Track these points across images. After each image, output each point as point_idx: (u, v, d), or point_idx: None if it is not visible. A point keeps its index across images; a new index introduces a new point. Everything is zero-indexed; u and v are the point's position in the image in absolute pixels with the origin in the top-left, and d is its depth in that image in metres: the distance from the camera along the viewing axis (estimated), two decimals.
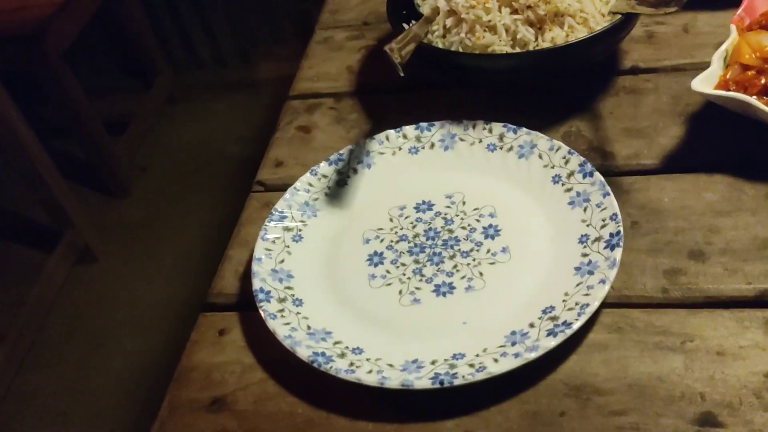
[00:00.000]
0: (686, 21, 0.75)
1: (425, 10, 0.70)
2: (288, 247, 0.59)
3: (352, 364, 0.50)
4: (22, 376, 1.48)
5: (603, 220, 0.55)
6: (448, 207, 0.61)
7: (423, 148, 0.66)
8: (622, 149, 0.64)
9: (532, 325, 0.50)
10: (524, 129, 0.63)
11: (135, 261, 1.69)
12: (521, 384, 0.49)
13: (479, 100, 0.72)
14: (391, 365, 0.49)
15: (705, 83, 0.59)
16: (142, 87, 2.05)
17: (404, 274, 0.57)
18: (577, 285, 0.52)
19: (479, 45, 0.65)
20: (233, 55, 2.17)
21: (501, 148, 0.64)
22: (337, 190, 0.64)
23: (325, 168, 0.65)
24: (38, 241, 1.74)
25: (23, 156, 1.48)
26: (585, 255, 0.54)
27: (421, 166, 0.65)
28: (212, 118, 2.05)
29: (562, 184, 0.59)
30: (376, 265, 0.58)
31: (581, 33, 0.64)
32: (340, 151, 0.66)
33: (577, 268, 0.53)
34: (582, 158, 0.59)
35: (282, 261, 0.58)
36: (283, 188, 0.65)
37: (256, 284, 0.55)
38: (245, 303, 0.58)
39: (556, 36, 0.64)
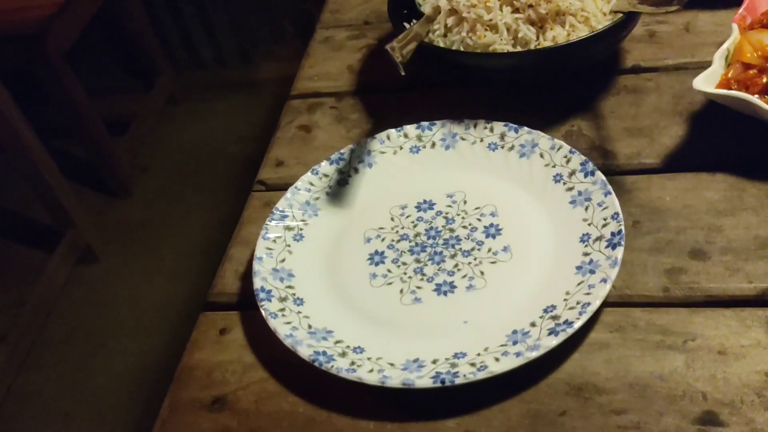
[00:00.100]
0: (687, 20, 0.75)
1: (426, 9, 0.70)
2: (289, 246, 0.59)
3: (353, 363, 0.49)
4: (23, 376, 1.49)
5: (604, 219, 0.55)
6: (450, 206, 0.61)
7: (424, 147, 0.66)
8: (624, 148, 0.63)
9: (533, 324, 0.50)
10: (525, 128, 0.63)
11: (136, 261, 1.69)
12: (522, 383, 0.49)
13: (480, 99, 0.72)
14: (392, 364, 0.49)
15: (706, 82, 0.59)
16: (143, 87, 2.05)
17: (405, 273, 0.57)
18: (579, 284, 0.52)
19: (480, 44, 0.65)
20: (234, 55, 2.17)
21: (502, 147, 0.63)
22: (338, 189, 0.64)
23: (326, 167, 0.65)
24: (39, 241, 1.74)
25: (24, 156, 1.48)
26: (586, 254, 0.54)
27: (422, 166, 0.65)
28: (213, 118, 2.05)
29: (564, 183, 0.59)
30: (377, 264, 0.58)
31: (582, 32, 0.64)
32: (341, 151, 0.66)
33: (579, 267, 0.53)
34: (583, 157, 0.59)
35: (283, 260, 0.58)
36: (284, 187, 0.65)
37: (257, 283, 0.55)
38: (246, 302, 0.58)
39: (557, 35, 0.64)
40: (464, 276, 0.55)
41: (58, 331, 1.57)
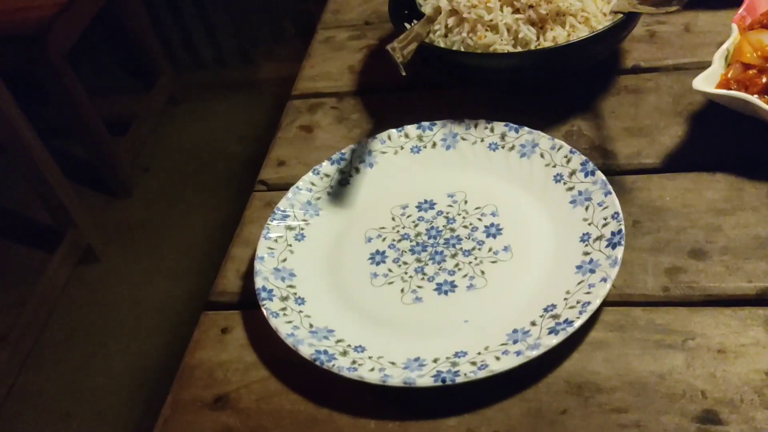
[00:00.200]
0: (687, 20, 0.75)
1: (427, 9, 0.70)
2: (290, 245, 0.60)
3: (354, 362, 0.50)
4: (24, 376, 1.49)
5: (604, 219, 0.55)
6: (450, 206, 0.61)
7: (425, 147, 0.66)
8: (624, 148, 0.64)
9: (533, 324, 0.50)
10: (526, 128, 0.63)
11: (137, 261, 1.69)
12: (523, 382, 0.49)
13: (481, 100, 0.72)
14: (393, 363, 0.50)
15: (706, 82, 0.59)
16: (144, 87, 2.06)
17: (406, 273, 0.57)
18: (579, 283, 0.52)
19: (481, 44, 0.65)
20: (234, 55, 2.17)
21: (503, 147, 0.64)
22: (340, 189, 0.64)
23: (327, 167, 0.65)
24: (40, 241, 1.74)
25: (25, 156, 1.48)
26: (586, 253, 0.54)
27: (423, 166, 0.65)
28: (213, 118, 2.05)
29: (564, 183, 0.59)
30: (378, 263, 0.58)
31: (583, 32, 0.64)
32: (342, 151, 0.66)
33: (579, 267, 0.53)
34: (584, 157, 0.60)
35: (284, 260, 0.58)
36: (285, 187, 0.65)
37: (259, 283, 0.56)
38: (248, 301, 0.58)
39: (557, 35, 0.64)
40: (465, 275, 0.56)
41: (58, 331, 1.57)
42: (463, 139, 0.65)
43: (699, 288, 0.52)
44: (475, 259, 0.57)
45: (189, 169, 1.91)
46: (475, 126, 0.65)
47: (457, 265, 0.56)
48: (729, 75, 0.60)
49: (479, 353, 0.49)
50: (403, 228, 0.60)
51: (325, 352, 0.50)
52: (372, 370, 0.49)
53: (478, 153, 0.64)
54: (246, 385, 0.53)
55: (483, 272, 0.56)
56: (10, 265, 1.73)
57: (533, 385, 0.49)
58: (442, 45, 0.67)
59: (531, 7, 0.64)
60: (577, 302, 0.50)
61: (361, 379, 0.48)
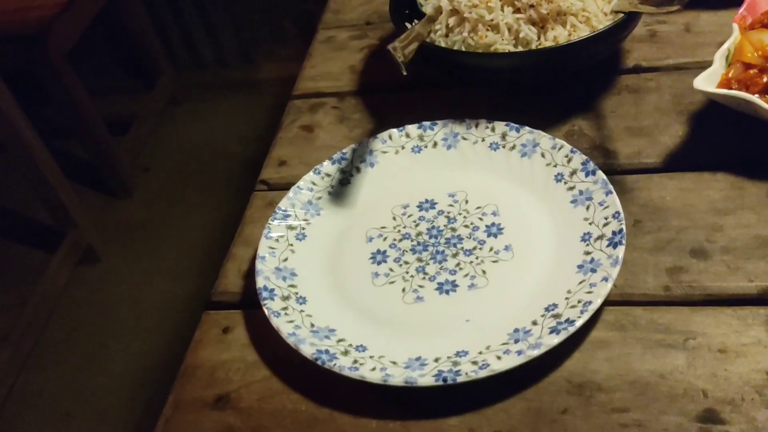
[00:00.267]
0: (688, 20, 0.75)
1: (428, 9, 0.70)
2: (291, 245, 0.60)
3: (355, 361, 0.50)
4: (25, 376, 1.49)
5: (605, 219, 0.55)
6: (451, 205, 0.61)
7: (426, 146, 0.66)
8: (625, 148, 0.64)
9: (534, 323, 0.50)
10: (527, 128, 0.63)
11: (138, 261, 1.70)
12: (524, 381, 0.49)
13: (482, 99, 0.72)
14: (394, 363, 0.50)
15: (707, 82, 0.59)
16: (144, 87, 2.06)
17: (407, 272, 0.57)
18: (580, 283, 0.52)
19: (482, 44, 0.65)
20: (235, 55, 2.18)
21: (503, 147, 0.64)
22: (341, 188, 0.64)
23: (328, 167, 0.65)
24: (41, 242, 1.74)
25: (26, 156, 1.48)
26: (588, 253, 0.54)
27: (423, 165, 0.65)
28: (214, 118, 2.05)
29: (565, 183, 0.59)
30: (379, 263, 0.58)
31: (583, 32, 0.64)
32: (343, 150, 0.66)
33: (580, 266, 0.53)
34: (584, 157, 0.60)
35: (285, 259, 0.58)
36: (286, 187, 0.65)
37: (260, 282, 0.56)
38: (249, 301, 0.58)
39: (558, 35, 0.64)
40: (466, 275, 0.56)
41: (59, 331, 1.57)
42: (464, 138, 0.65)
43: (700, 287, 0.52)
44: (476, 258, 0.57)
45: (189, 169, 1.91)
46: (476, 126, 0.65)
47: (458, 264, 0.56)
48: (730, 74, 0.60)
49: (480, 353, 0.49)
50: (404, 227, 0.60)
51: (327, 351, 0.51)
52: (373, 369, 0.49)
53: (479, 152, 0.64)
54: (247, 385, 0.53)
55: (484, 272, 0.56)
56: (10, 265, 1.73)
57: (534, 384, 0.49)
58: (443, 45, 0.67)
59: (532, 6, 0.64)
60: (579, 302, 0.50)
61: (363, 379, 0.48)
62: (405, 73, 0.59)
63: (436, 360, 0.49)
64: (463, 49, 0.66)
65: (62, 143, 1.88)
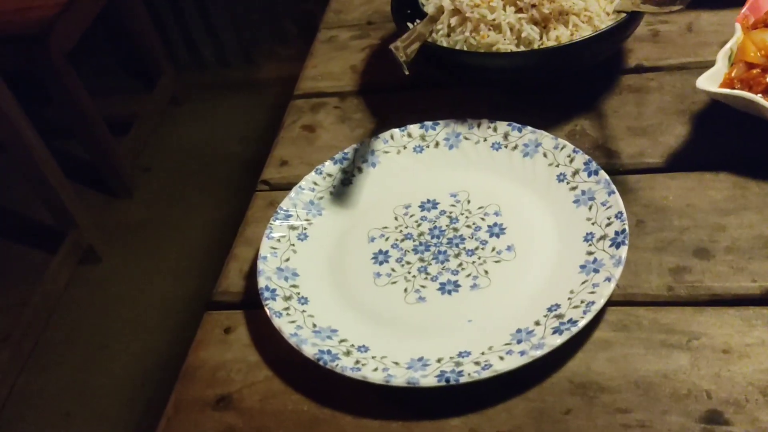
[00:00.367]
0: (690, 19, 0.75)
1: (429, 8, 0.70)
2: (293, 245, 0.59)
3: (357, 362, 0.50)
4: (25, 376, 1.49)
5: (608, 219, 0.55)
6: (453, 205, 0.61)
7: (428, 146, 0.66)
8: (627, 148, 0.64)
9: (537, 323, 0.50)
10: (529, 128, 0.63)
11: (138, 261, 1.69)
12: (527, 382, 0.49)
13: (484, 99, 0.72)
14: (396, 363, 0.49)
15: (710, 81, 0.59)
16: (145, 87, 2.06)
17: (409, 273, 0.57)
18: (583, 283, 0.52)
19: (484, 44, 0.65)
20: (236, 55, 2.17)
21: (506, 147, 0.64)
22: (342, 188, 0.64)
23: (330, 167, 0.65)
24: (41, 242, 1.74)
25: (27, 156, 1.48)
26: (590, 253, 0.54)
27: (425, 165, 0.65)
28: (215, 118, 2.05)
29: (567, 183, 0.59)
30: (381, 263, 0.58)
31: (586, 32, 0.64)
32: (345, 150, 0.66)
33: (583, 266, 0.53)
34: (587, 157, 0.59)
35: (287, 259, 0.58)
36: (288, 187, 0.65)
37: (262, 282, 0.55)
38: (250, 301, 0.58)
39: (560, 35, 0.64)
40: (468, 275, 0.55)
41: (60, 332, 1.57)
42: (466, 138, 0.65)
43: (703, 288, 0.52)
44: (479, 258, 0.56)
45: (190, 169, 1.91)
46: (478, 125, 0.65)
47: (460, 264, 0.56)
48: (733, 74, 0.60)
49: (483, 353, 0.49)
50: (406, 227, 0.60)
51: (329, 351, 0.50)
52: (375, 370, 0.49)
53: (481, 152, 0.64)
54: (249, 385, 0.53)
55: (486, 272, 0.55)
56: (11, 265, 1.73)
57: (537, 385, 0.49)
58: (444, 44, 0.67)
59: (534, 6, 0.64)
60: (581, 302, 0.50)
61: (365, 379, 0.48)
62: (407, 73, 0.58)
63: (439, 360, 0.49)
64: (465, 48, 0.66)
65: (63, 143, 1.87)
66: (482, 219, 0.59)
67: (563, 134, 0.66)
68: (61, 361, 1.52)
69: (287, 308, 0.54)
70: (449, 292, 0.55)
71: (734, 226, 0.55)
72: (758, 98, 0.56)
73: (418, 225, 0.60)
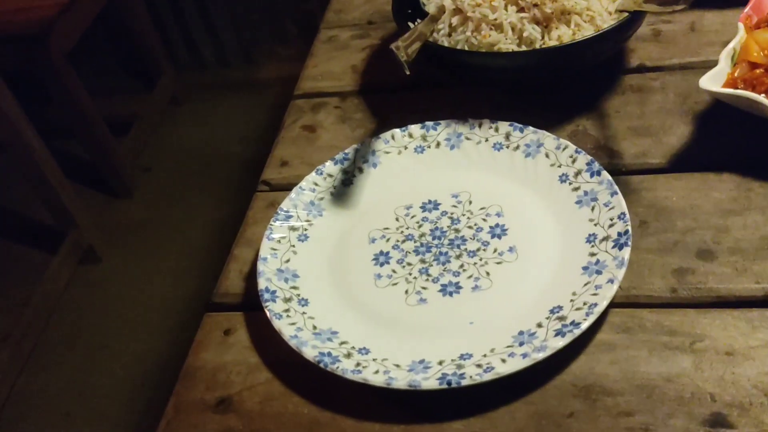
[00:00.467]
0: (693, 19, 0.74)
1: (431, 8, 0.70)
2: (293, 246, 0.59)
3: (358, 364, 0.49)
4: (25, 376, 1.48)
5: (611, 220, 0.54)
6: (455, 206, 0.61)
7: (429, 147, 0.65)
8: (630, 148, 0.63)
9: (539, 325, 0.50)
10: (531, 128, 0.63)
11: (139, 261, 1.69)
12: (529, 384, 0.48)
13: (485, 99, 0.71)
14: (397, 365, 0.49)
15: (713, 81, 0.58)
16: (145, 87, 2.05)
17: (410, 274, 0.56)
18: (585, 284, 0.51)
19: (485, 43, 0.64)
20: (236, 55, 2.17)
21: (507, 147, 0.63)
22: (343, 189, 0.64)
23: (330, 167, 0.64)
24: (42, 242, 1.74)
25: (26, 156, 1.48)
26: (593, 254, 0.53)
27: (427, 166, 0.65)
28: (215, 118, 2.04)
29: (570, 183, 0.59)
30: (382, 264, 0.58)
31: (588, 31, 0.64)
32: (346, 151, 0.65)
33: (585, 268, 0.53)
34: (589, 157, 0.59)
35: (287, 260, 0.58)
36: (288, 188, 0.64)
37: (262, 284, 0.55)
38: (251, 303, 0.58)
39: (562, 34, 0.63)
40: (470, 276, 0.55)
41: (60, 332, 1.57)
42: (468, 138, 0.65)
43: (707, 289, 0.51)
44: (480, 260, 0.56)
45: (190, 169, 1.91)
46: (480, 126, 0.65)
47: (461, 266, 0.56)
48: (736, 74, 0.60)
49: (485, 355, 0.49)
50: (407, 228, 0.60)
51: (329, 354, 0.50)
52: (376, 372, 0.48)
53: (483, 153, 0.64)
54: (249, 388, 0.52)
55: (488, 273, 0.55)
56: (11, 265, 1.72)
57: (539, 387, 0.48)
58: (446, 44, 0.66)
59: (536, 5, 0.64)
60: (584, 304, 0.50)
61: (366, 382, 0.48)
62: (408, 73, 0.58)
63: (440, 363, 0.49)
64: (467, 48, 0.65)
65: (63, 143, 1.87)
66: (484, 220, 0.59)
67: (565, 134, 0.66)
68: (61, 361, 1.51)
69: (287, 310, 0.54)
70: (450, 294, 0.54)
71: (738, 227, 0.54)
72: (761, 98, 0.55)
73: (419, 226, 0.60)
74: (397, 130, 0.66)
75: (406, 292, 0.55)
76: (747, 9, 0.64)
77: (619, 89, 0.69)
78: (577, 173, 0.59)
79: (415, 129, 0.66)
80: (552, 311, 0.51)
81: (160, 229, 1.76)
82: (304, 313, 0.54)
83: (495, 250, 0.56)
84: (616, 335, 0.50)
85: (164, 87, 2.03)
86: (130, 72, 2.16)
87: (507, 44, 0.64)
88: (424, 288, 0.55)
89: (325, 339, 0.52)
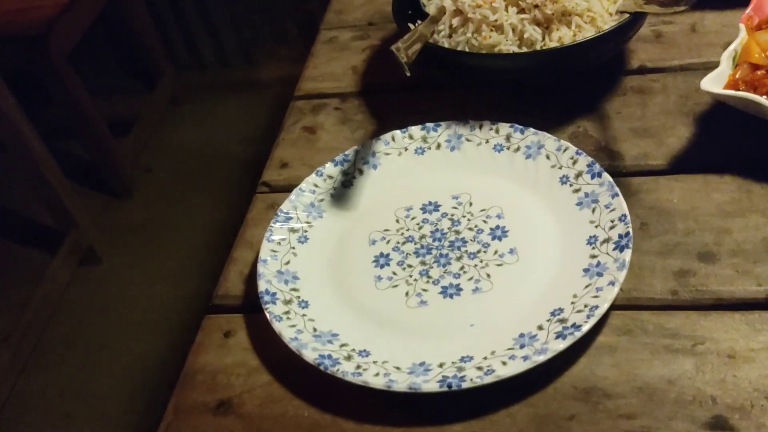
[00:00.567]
0: (694, 20, 0.74)
1: (431, 9, 0.70)
2: (293, 248, 0.59)
3: (358, 366, 0.49)
4: (25, 377, 1.48)
5: (612, 222, 0.54)
6: (455, 208, 0.61)
7: (429, 148, 0.65)
8: (630, 149, 0.63)
9: (540, 328, 0.50)
10: (531, 129, 0.63)
11: (139, 262, 1.69)
12: (530, 387, 0.48)
13: (485, 100, 0.71)
14: (398, 368, 0.49)
15: (714, 83, 0.58)
16: (146, 88, 2.05)
17: (411, 276, 0.56)
18: (586, 287, 0.51)
19: (486, 45, 0.64)
20: (236, 55, 2.17)
21: (508, 149, 0.63)
22: (343, 191, 0.64)
23: (330, 169, 0.64)
24: (42, 242, 1.73)
25: (27, 157, 1.47)
26: (594, 256, 0.53)
27: (427, 167, 0.65)
28: (215, 118, 2.04)
29: (570, 185, 0.59)
30: (382, 266, 0.57)
31: (589, 32, 0.63)
32: (346, 152, 0.65)
33: (586, 270, 0.53)
34: (590, 159, 0.59)
35: (288, 262, 0.58)
36: (288, 189, 0.64)
37: (262, 286, 0.55)
38: (251, 305, 0.58)
39: (563, 35, 0.63)
40: (470, 278, 0.55)
41: (60, 333, 1.57)
42: (468, 140, 0.65)
43: (708, 291, 0.51)
44: (481, 261, 0.56)
45: (191, 169, 1.91)
46: (480, 127, 0.65)
47: (462, 268, 0.56)
48: (737, 76, 0.59)
49: (485, 358, 0.48)
50: (408, 230, 0.60)
51: (329, 356, 0.50)
52: (377, 375, 0.48)
53: (483, 154, 0.64)
54: (249, 390, 0.52)
55: (489, 275, 0.55)
56: (11, 266, 1.72)
57: (540, 390, 0.48)
58: (446, 45, 0.66)
59: (536, 7, 0.64)
60: (585, 306, 0.50)
61: (366, 385, 0.48)
62: (408, 74, 0.58)
63: (441, 365, 0.49)
64: (467, 49, 0.65)
65: (63, 144, 1.87)
66: (484, 221, 0.59)
67: (566, 136, 0.65)
68: (61, 361, 1.51)
69: (287, 312, 0.54)
70: (451, 296, 0.54)
71: (739, 229, 0.54)
72: (763, 100, 0.55)
73: (420, 227, 0.60)
74: (397, 132, 0.66)
75: (407, 294, 0.55)
76: (748, 10, 0.64)
77: (620, 90, 0.69)
78: (578, 175, 0.59)
79: (415, 130, 0.66)
80: (553, 313, 0.50)
81: (160, 229, 1.76)
82: (304, 315, 0.54)
83: (495, 252, 0.56)
84: (617, 338, 0.50)
85: (164, 87, 2.03)
86: (130, 72, 2.16)
87: (508, 45, 0.64)
88: (424, 290, 0.55)
89: (326, 341, 0.52)
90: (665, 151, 0.62)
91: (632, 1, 0.63)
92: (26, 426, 1.41)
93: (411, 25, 0.69)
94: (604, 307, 0.49)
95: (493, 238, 0.57)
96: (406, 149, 0.66)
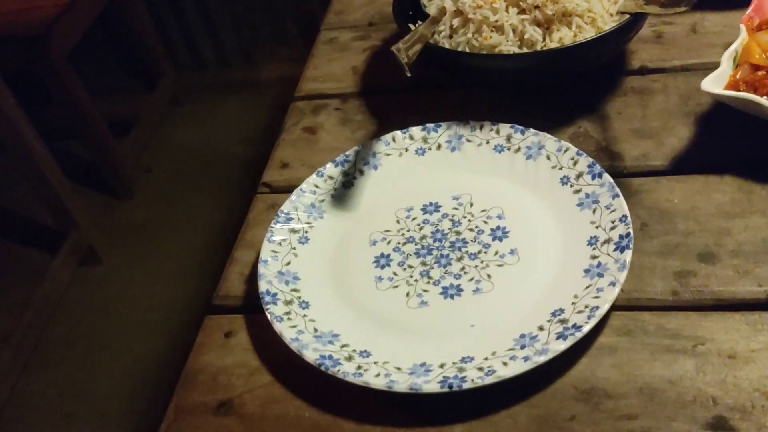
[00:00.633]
0: (695, 21, 0.74)
1: (432, 10, 0.70)
2: (294, 249, 0.59)
3: (359, 367, 0.49)
4: (26, 377, 1.48)
5: (612, 222, 0.54)
6: (456, 208, 0.61)
7: (430, 149, 0.65)
8: (631, 150, 0.63)
9: (541, 328, 0.50)
10: (532, 130, 0.63)
11: (139, 262, 1.69)
12: (530, 388, 0.48)
13: (486, 101, 0.71)
14: (398, 368, 0.49)
15: (715, 83, 0.58)
16: (146, 88, 2.05)
17: (411, 276, 0.56)
18: (587, 287, 0.51)
19: (486, 45, 0.64)
20: (236, 55, 2.17)
21: (508, 149, 0.63)
22: (344, 191, 0.64)
23: (331, 169, 0.64)
24: (42, 243, 1.73)
25: (27, 157, 1.47)
26: (594, 257, 0.53)
27: (428, 168, 0.65)
28: (215, 118, 2.04)
29: (571, 186, 0.59)
30: (383, 267, 0.57)
31: (589, 33, 0.63)
32: (347, 153, 0.65)
33: (587, 271, 0.53)
34: (591, 159, 0.59)
35: (288, 263, 0.58)
36: (289, 190, 0.64)
37: (263, 286, 0.55)
38: (251, 305, 0.58)
39: (563, 36, 0.63)
40: (471, 279, 0.55)
41: (61, 333, 1.57)
42: (469, 140, 0.65)
43: (709, 292, 0.51)
44: (481, 262, 0.56)
45: (191, 169, 1.91)
46: (481, 128, 0.65)
47: (463, 268, 0.56)
48: (738, 76, 0.59)
49: (486, 358, 0.49)
50: (408, 231, 0.60)
51: (330, 357, 0.50)
52: (377, 375, 0.48)
53: (484, 155, 0.64)
54: (250, 390, 0.52)
55: (489, 276, 0.55)
56: (11, 266, 1.72)
57: (541, 390, 0.48)
58: (447, 46, 0.66)
59: (537, 7, 0.64)
60: (585, 306, 0.50)
61: (367, 385, 0.48)
62: (409, 75, 0.58)
63: (441, 366, 0.49)
64: (467, 50, 0.65)
65: (63, 144, 1.87)
66: (485, 222, 0.59)
67: (566, 136, 0.65)
68: (61, 361, 1.51)
69: (288, 312, 0.54)
70: (452, 297, 0.54)
71: (740, 230, 0.54)
72: (763, 100, 0.55)
73: (420, 228, 0.60)
74: (398, 132, 0.66)
75: (407, 294, 0.55)
76: (749, 11, 0.64)
77: (621, 91, 0.69)
78: (579, 175, 0.59)
79: (416, 131, 0.66)
80: (553, 314, 0.50)
81: (160, 229, 1.76)
82: (305, 315, 0.54)
83: (496, 253, 0.56)
84: (618, 338, 0.50)
85: (165, 87, 2.03)
86: (130, 72, 2.16)
87: (508, 46, 0.64)
88: (425, 290, 0.55)
89: (326, 342, 0.52)
90: (666, 151, 0.62)
91: (633, 1, 0.63)
92: (26, 426, 1.41)
93: (411, 26, 0.69)
94: (604, 307, 0.49)
95: (494, 239, 0.57)
96: (406, 150, 0.66)
